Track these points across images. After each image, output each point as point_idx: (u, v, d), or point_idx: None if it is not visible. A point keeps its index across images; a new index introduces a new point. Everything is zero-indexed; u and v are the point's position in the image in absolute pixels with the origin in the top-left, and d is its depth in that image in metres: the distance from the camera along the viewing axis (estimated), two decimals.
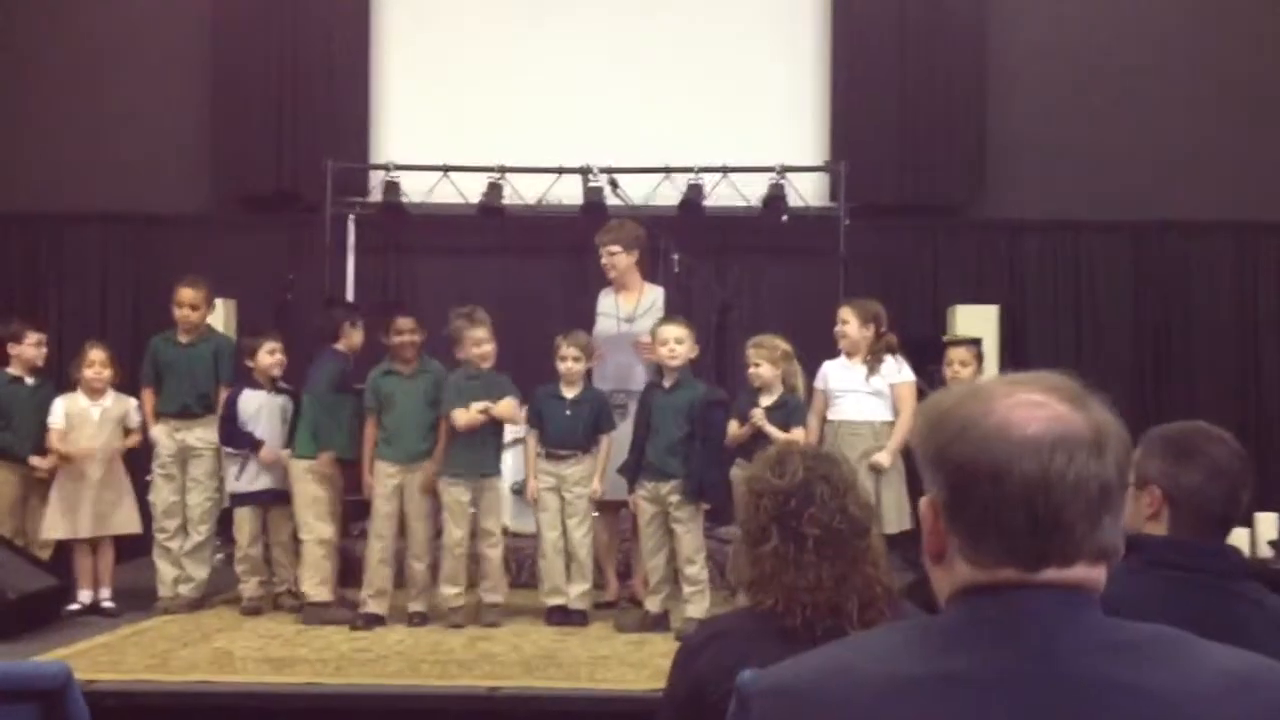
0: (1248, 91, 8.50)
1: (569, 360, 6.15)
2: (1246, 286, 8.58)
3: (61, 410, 6.37)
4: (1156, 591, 2.17)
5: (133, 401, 6.54)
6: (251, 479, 6.41)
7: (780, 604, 2.40)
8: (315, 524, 6.17)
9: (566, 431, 6.13)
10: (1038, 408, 1.32)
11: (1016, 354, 7.89)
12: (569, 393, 6.18)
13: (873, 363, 6.13)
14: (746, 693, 1.40)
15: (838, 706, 1.29)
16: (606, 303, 6.71)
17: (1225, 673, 1.28)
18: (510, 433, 6.54)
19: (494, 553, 6.12)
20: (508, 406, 6.14)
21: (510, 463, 6.84)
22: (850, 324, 6.15)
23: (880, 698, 1.28)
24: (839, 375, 6.18)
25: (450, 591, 6.06)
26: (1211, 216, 8.44)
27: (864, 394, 6.08)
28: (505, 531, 6.46)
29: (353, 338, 6.52)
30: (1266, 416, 8.34)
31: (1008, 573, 1.31)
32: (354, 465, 6.31)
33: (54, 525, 6.32)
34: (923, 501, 1.41)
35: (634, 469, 5.94)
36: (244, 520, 6.41)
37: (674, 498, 5.80)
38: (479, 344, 6.15)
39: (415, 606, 6.10)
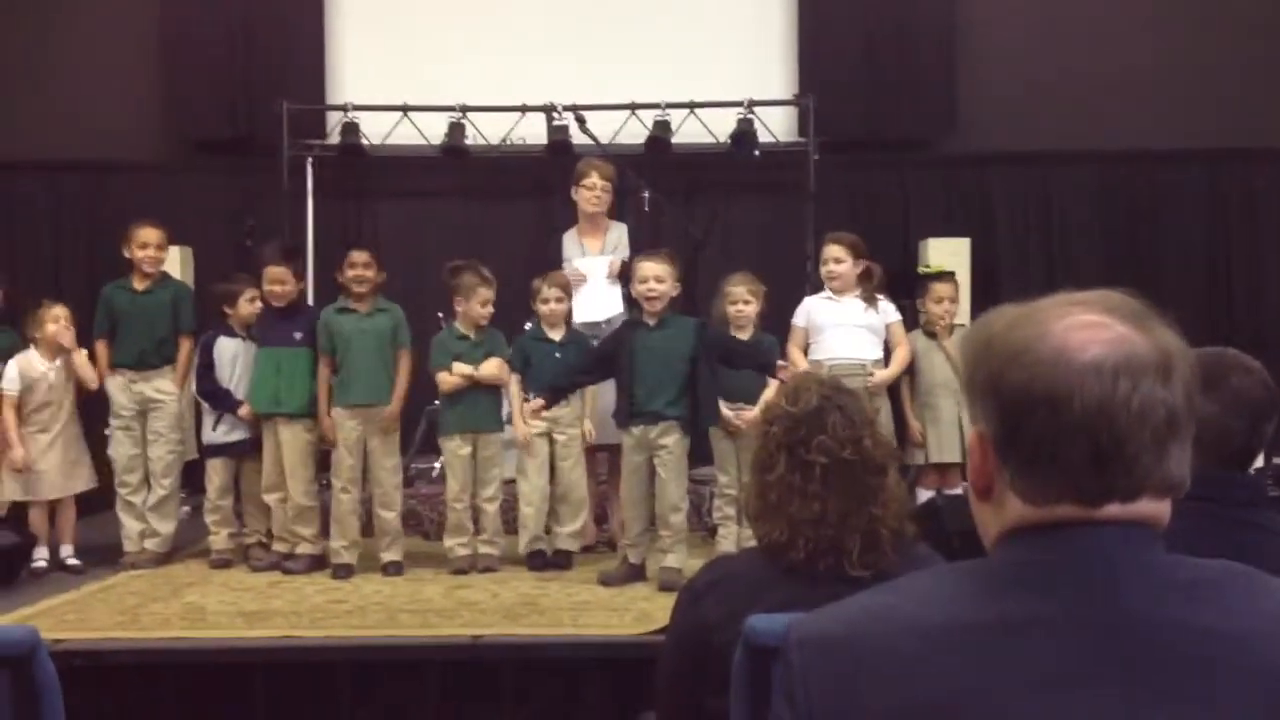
0: (1216, 18, 8.42)
1: (551, 302, 6.03)
2: (1216, 213, 8.56)
3: (16, 373, 6.17)
4: (1174, 523, 2.11)
5: (82, 353, 6.34)
6: (227, 430, 6.27)
7: (784, 535, 2.32)
8: None
9: (558, 374, 5.99)
10: (1098, 329, 1.22)
11: (988, 286, 7.84)
12: (555, 335, 6.07)
13: (868, 298, 6.11)
14: (782, 644, 1.29)
15: (888, 657, 1.20)
16: (572, 244, 6.59)
17: None
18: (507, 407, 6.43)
19: (490, 507, 6.03)
20: (492, 368, 6.03)
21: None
22: (844, 262, 6.11)
23: (934, 647, 1.18)
24: (826, 311, 6.13)
25: (453, 543, 5.98)
26: (1181, 145, 8.37)
27: (856, 328, 6.06)
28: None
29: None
30: (1238, 344, 8.30)
31: (1066, 509, 1.22)
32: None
33: (9, 488, 6.16)
34: (970, 434, 1.31)
35: (625, 412, 5.71)
36: (215, 471, 6.26)
37: (664, 440, 5.62)
38: (486, 304, 6.04)
39: (389, 556, 6.00)
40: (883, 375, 6.07)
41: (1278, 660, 1.15)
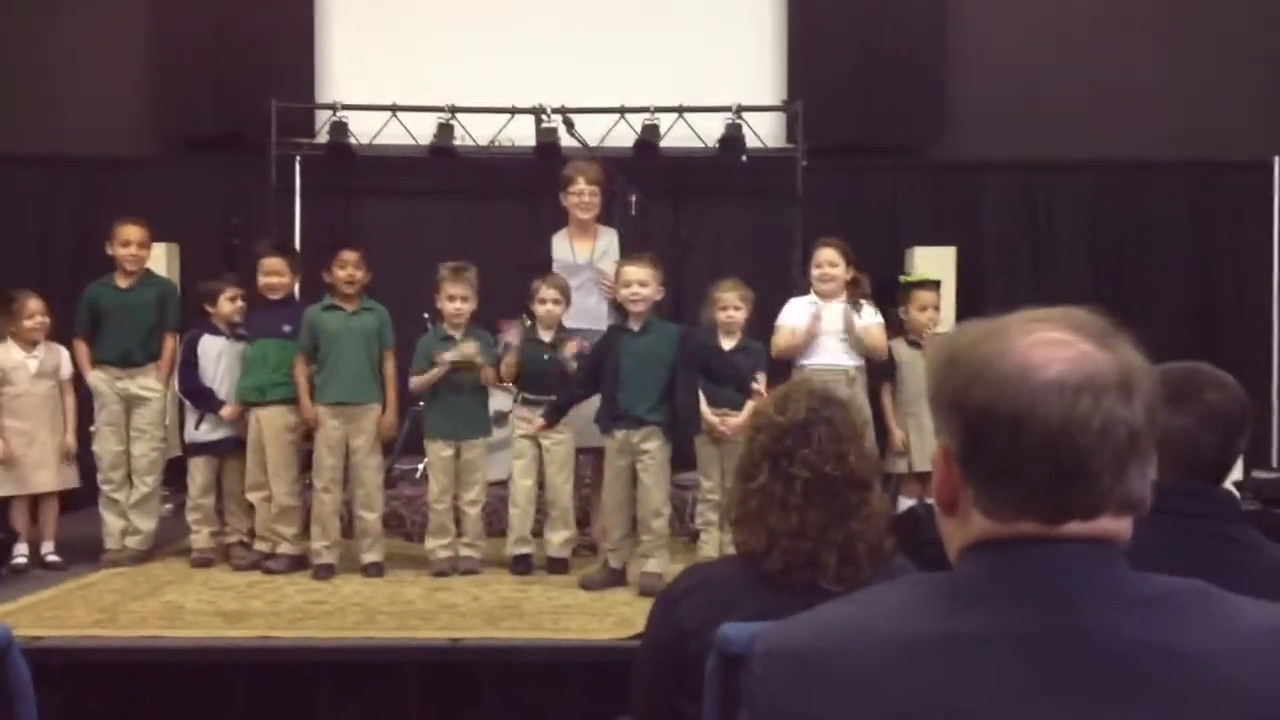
0: (1207, 31, 8.46)
1: (549, 303, 6.02)
2: (1203, 226, 8.58)
3: None
4: (1146, 537, 2.11)
5: (64, 351, 6.33)
6: (210, 429, 6.25)
7: (762, 544, 2.32)
8: None
9: (548, 376, 5.99)
10: (1060, 347, 1.23)
11: (974, 295, 7.86)
12: (547, 336, 6.05)
13: (853, 306, 6.11)
14: (747, 653, 1.30)
15: (850, 669, 1.21)
16: (562, 247, 6.55)
17: (1258, 628, 1.21)
18: (495, 405, 6.42)
19: (472, 510, 6.02)
20: (470, 348, 5.98)
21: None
22: (839, 267, 6.12)
23: (896, 660, 1.19)
24: (810, 318, 6.12)
25: (434, 545, 5.98)
26: (1168, 156, 8.41)
27: (838, 336, 6.06)
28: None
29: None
30: (1222, 357, 8.28)
31: (1027, 526, 1.23)
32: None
33: None
34: (935, 449, 1.32)
35: (608, 417, 5.71)
36: (198, 470, 6.24)
37: (646, 445, 5.62)
38: (453, 299, 6.00)
39: (370, 557, 5.98)
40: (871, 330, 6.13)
41: (1239, 679, 1.16)
